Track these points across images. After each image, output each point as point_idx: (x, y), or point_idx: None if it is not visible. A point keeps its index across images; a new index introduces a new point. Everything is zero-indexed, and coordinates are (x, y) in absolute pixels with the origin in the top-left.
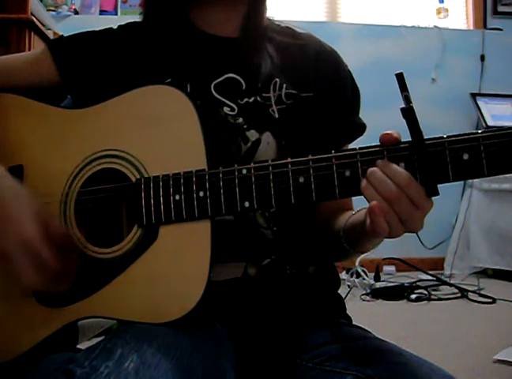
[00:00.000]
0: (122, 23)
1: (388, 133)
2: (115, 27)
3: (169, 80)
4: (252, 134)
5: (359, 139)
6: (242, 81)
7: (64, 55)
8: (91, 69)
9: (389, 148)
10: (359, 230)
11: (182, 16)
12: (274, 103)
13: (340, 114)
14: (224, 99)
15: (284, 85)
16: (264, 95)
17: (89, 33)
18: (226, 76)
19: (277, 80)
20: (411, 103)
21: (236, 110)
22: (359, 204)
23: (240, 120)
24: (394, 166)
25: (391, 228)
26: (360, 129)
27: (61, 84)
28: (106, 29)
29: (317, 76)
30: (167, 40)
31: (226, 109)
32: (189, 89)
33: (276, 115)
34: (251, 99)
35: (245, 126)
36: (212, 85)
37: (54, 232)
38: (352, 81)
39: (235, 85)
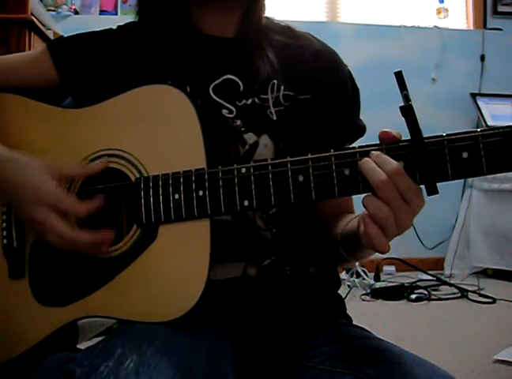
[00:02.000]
0: (122, 23)
1: (386, 131)
2: (115, 27)
3: (169, 82)
4: (250, 137)
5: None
6: (240, 83)
7: (63, 56)
8: (90, 71)
9: (389, 146)
10: (354, 239)
11: (182, 16)
12: (272, 104)
13: (340, 114)
14: (222, 102)
15: (282, 87)
16: (262, 96)
17: (89, 34)
18: (224, 77)
19: (275, 81)
20: (410, 101)
21: (234, 113)
22: (360, 203)
23: (238, 122)
24: (384, 156)
25: (385, 228)
26: (361, 129)
27: (60, 84)
28: (105, 30)
29: (315, 77)
30: (165, 41)
31: (224, 111)
32: (188, 91)
33: (274, 117)
34: (249, 101)
35: (243, 129)
36: (211, 87)
37: (68, 173)
38: (352, 81)
39: (233, 87)
